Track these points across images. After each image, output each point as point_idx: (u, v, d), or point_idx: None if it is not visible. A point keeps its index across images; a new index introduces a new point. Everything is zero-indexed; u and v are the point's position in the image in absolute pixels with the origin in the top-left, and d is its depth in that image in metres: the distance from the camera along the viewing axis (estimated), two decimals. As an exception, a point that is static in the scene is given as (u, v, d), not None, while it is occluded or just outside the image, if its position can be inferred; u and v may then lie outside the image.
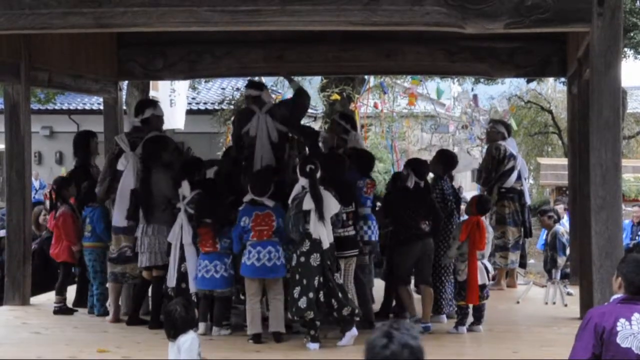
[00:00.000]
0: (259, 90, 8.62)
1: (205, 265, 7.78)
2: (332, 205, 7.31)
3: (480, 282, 7.85)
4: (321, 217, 7.19)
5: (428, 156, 28.45)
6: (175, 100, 16.27)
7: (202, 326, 7.67)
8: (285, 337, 7.53)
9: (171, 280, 7.97)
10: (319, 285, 7.22)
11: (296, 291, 7.23)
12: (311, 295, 7.18)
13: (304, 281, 7.21)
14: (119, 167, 8.42)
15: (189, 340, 5.54)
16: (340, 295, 7.27)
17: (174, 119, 16.79)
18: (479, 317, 7.98)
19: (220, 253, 7.81)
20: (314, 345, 7.26)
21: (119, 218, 8.34)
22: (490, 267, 8.22)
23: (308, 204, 7.23)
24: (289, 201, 7.44)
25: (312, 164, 7.41)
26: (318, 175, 7.36)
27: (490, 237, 8.09)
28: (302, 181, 7.38)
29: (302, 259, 7.25)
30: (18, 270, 9.20)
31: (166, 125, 17.31)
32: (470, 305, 7.93)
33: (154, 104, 9.18)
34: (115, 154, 8.61)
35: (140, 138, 8.46)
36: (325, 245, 7.22)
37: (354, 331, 7.32)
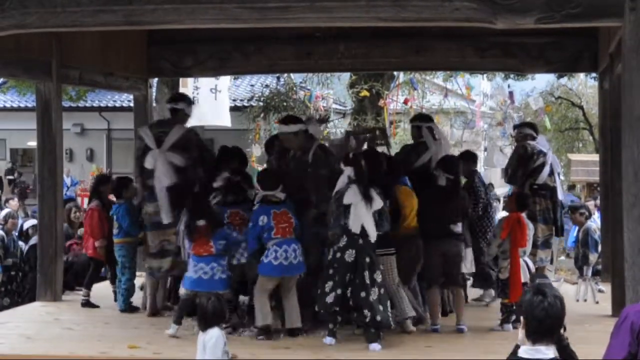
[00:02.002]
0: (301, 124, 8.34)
1: (202, 268, 7.66)
2: (376, 200, 7.29)
3: (522, 280, 7.78)
4: (367, 206, 7.15)
5: (457, 152, 28.31)
6: (197, 97, 16.28)
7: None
8: (312, 334, 7.54)
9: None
10: (349, 281, 7.21)
11: (328, 285, 7.22)
12: (339, 291, 7.18)
13: (337, 277, 7.21)
14: (147, 165, 8.43)
15: (214, 337, 5.60)
16: (370, 297, 7.18)
17: (220, 117, 16.87)
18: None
19: (216, 255, 7.70)
20: (329, 340, 7.28)
21: (162, 215, 8.37)
22: (531, 264, 8.12)
23: (349, 198, 7.21)
24: (332, 194, 7.43)
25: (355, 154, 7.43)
26: (363, 163, 7.34)
27: (530, 234, 8.01)
28: (348, 170, 7.36)
29: (338, 254, 7.24)
30: (50, 266, 9.29)
31: (213, 122, 17.46)
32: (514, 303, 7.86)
33: (188, 100, 9.18)
34: (142, 150, 8.64)
35: (165, 133, 8.47)
36: (373, 237, 7.17)
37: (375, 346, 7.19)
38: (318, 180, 7.97)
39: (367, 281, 7.17)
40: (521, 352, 3.69)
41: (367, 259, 7.20)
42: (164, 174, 8.29)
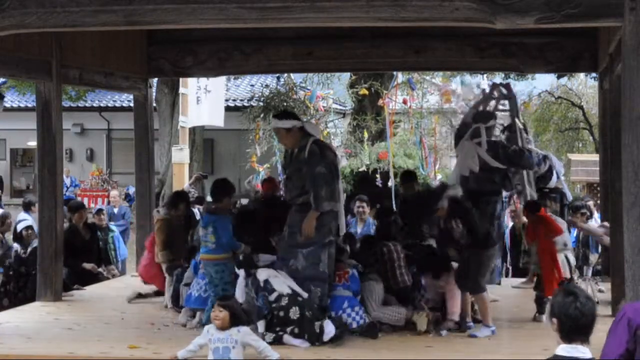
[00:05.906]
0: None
1: (198, 283, 8.06)
2: None
3: (564, 275, 7.84)
4: None
5: (452, 153, 28.21)
6: (201, 97, 16.27)
7: None
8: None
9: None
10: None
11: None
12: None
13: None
14: None
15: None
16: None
17: (212, 116, 16.83)
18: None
19: None
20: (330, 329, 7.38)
21: None
22: (572, 260, 8.14)
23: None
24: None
25: None
26: None
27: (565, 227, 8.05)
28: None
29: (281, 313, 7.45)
30: (50, 266, 9.29)
31: (206, 122, 17.42)
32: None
33: None
34: None
35: None
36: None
37: None
38: (314, 177, 7.76)
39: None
40: (559, 351, 3.75)
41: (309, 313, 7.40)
42: None
